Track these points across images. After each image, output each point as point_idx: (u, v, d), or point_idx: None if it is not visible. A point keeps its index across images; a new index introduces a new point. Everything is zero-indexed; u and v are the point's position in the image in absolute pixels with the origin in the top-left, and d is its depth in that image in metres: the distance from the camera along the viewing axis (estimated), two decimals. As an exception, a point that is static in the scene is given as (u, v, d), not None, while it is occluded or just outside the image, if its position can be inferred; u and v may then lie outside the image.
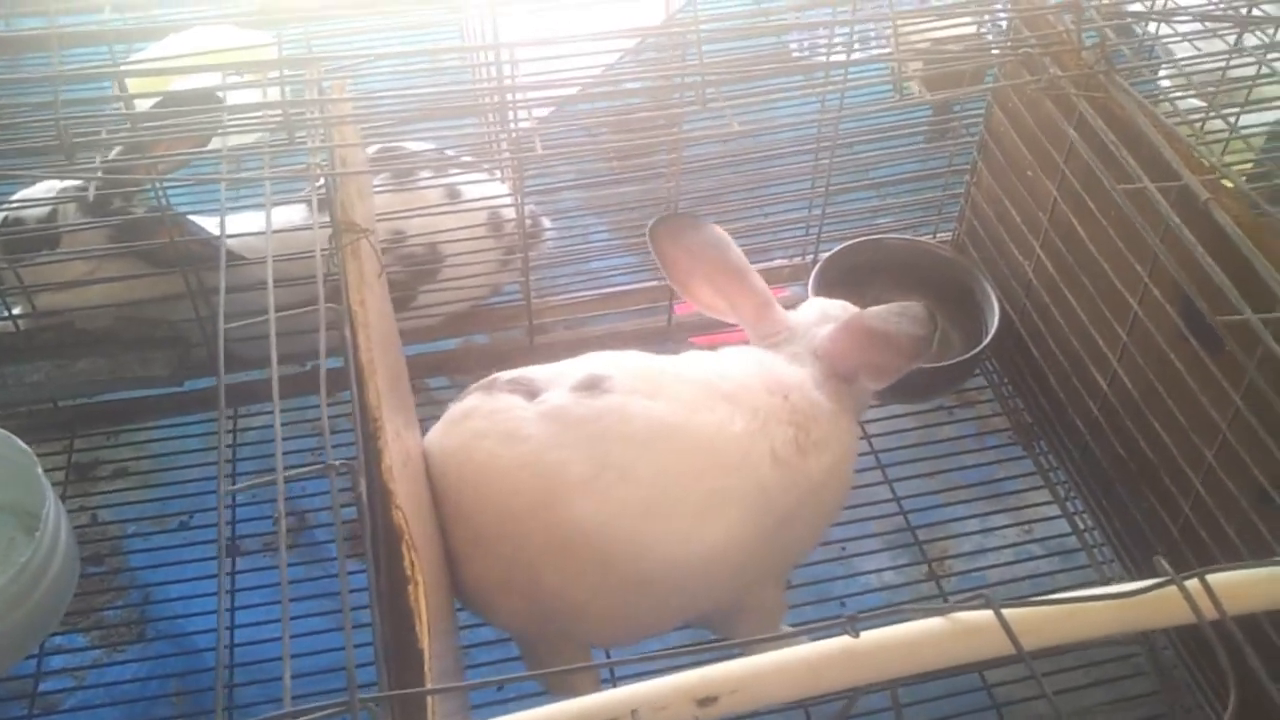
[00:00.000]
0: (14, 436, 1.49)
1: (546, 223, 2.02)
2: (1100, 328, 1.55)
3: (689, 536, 1.26)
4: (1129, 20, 1.73)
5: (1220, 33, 1.47)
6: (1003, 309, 1.78)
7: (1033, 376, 1.79)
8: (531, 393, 1.30)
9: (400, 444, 1.12)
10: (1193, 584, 0.75)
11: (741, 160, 2.22)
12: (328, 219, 1.25)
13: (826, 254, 1.88)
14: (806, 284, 1.84)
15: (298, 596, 1.62)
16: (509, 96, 1.45)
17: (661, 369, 1.34)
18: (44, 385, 1.73)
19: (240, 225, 1.73)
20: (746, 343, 1.49)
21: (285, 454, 1.42)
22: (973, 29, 1.81)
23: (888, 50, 1.48)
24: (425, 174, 1.88)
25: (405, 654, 0.92)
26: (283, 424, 0.97)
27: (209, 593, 1.69)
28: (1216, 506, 1.34)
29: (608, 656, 1.46)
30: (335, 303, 1.12)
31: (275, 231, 1.23)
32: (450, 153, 1.98)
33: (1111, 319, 1.51)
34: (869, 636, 0.75)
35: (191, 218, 1.70)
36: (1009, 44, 1.49)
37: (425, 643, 0.90)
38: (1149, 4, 1.61)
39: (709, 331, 1.95)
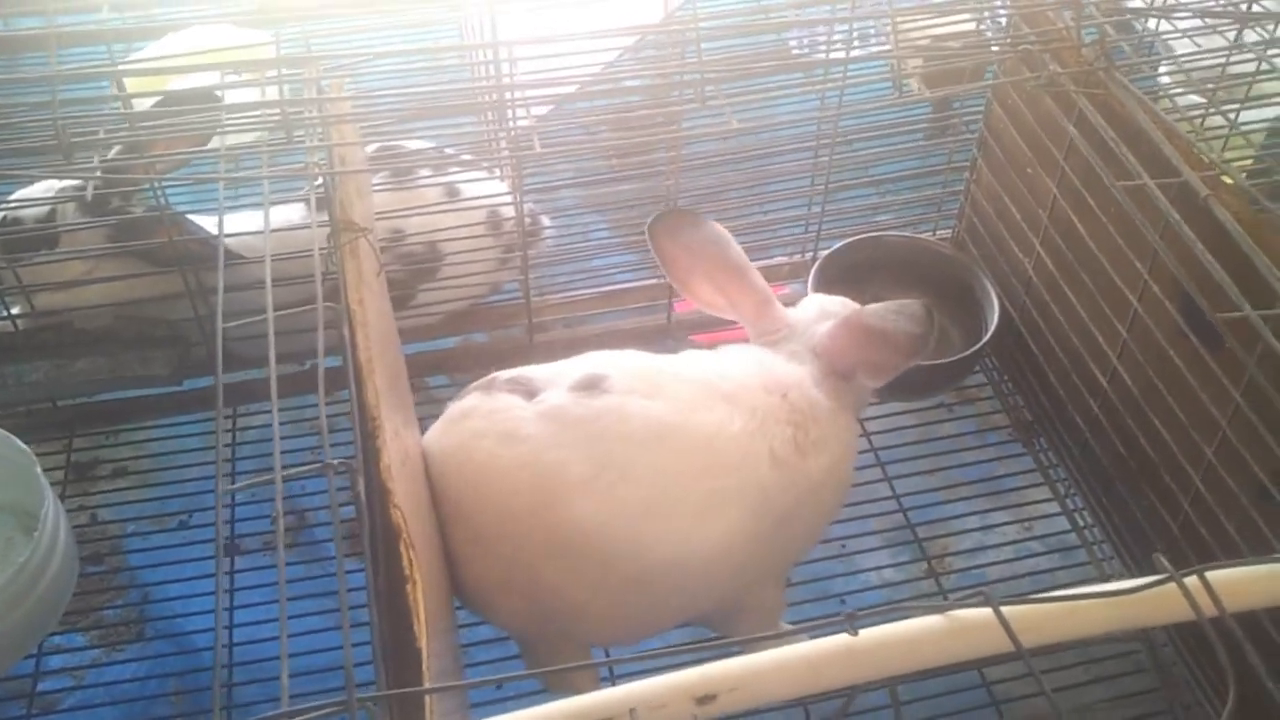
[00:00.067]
0: (12, 436, 1.49)
1: (545, 221, 2.02)
2: (1100, 325, 1.55)
3: (688, 536, 1.26)
4: (1129, 16, 1.73)
5: (1220, 29, 1.46)
6: (1002, 306, 1.78)
7: (1033, 374, 1.78)
8: (530, 392, 1.30)
9: (399, 443, 1.12)
10: (1192, 581, 0.75)
11: (741, 158, 2.22)
12: (326, 218, 1.25)
13: (826, 251, 1.88)
14: (806, 281, 1.83)
15: (297, 595, 1.62)
16: (507, 95, 1.44)
17: (660, 368, 1.34)
18: (43, 385, 1.73)
19: (239, 224, 1.73)
20: (746, 340, 1.48)
21: (284, 453, 1.42)
22: (972, 26, 1.80)
23: (887, 47, 1.48)
24: (424, 172, 1.88)
25: (403, 653, 0.92)
26: (282, 423, 0.97)
27: (208, 592, 1.69)
28: (1216, 503, 1.34)
29: (607, 655, 1.46)
30: (334, 301, 1.12)
31: (274, 230, 1.23)
32: (449, 151, 1.97)
33: (1111, 316, 1.51)
34: (868, 634, 0.75)
35: (190, 217, 1.70)
36: (1009, 41, 1.49)
37: (423, 642, 0.90)
38: (1149, 0, 1.61)
39: (708, 329, 1.94)
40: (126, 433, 1.96)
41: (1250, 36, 1.45)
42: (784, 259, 2.07)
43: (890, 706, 0.76)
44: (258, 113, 1.25)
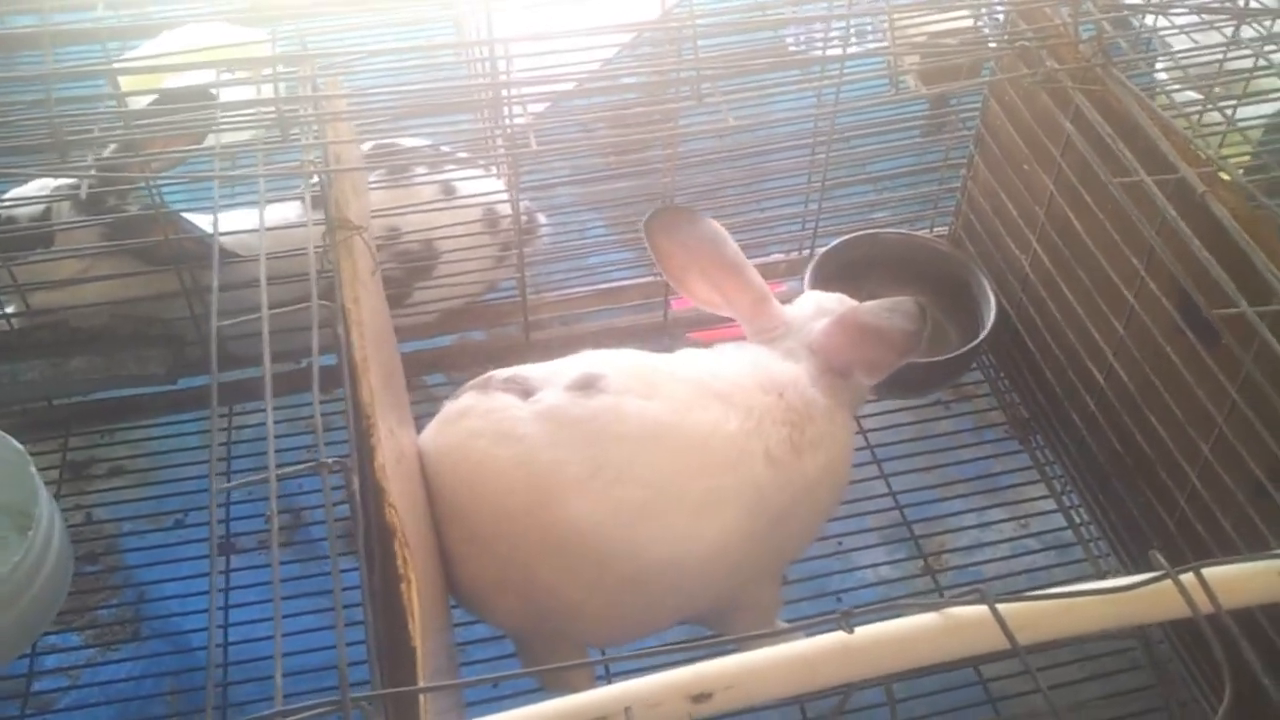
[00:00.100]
0: (7, 435, 1.48)
1: (542, 218, 2.02)
2: (1097, 322, 1.54)
3: (684, 536, 1.26)
4: (1125, 13, 1.73)
5: (1217, 25, 1.46)
6: (999, 303, 1.78)
7: (1029, 371, 1.78)
8: (526, 392, 1.30)
9: (394, 442, 1.12)
10: (1188, 578, 0.75)
11: (738, 155, 2.22)
12: (321, 216, 1.24)
13: (823, 249, 1.88)
14: (803, 278, 1.83)
15: (292, 595, 1.62)
16: (503, 92, 1.44)
17: (656, 368, 1.34)
18: (38, 384, 1.73)
19: (234, 223, 1.72)
20: (743, 338, 1.48)
21: (281, 452, 1.42)
22: (969, 22, 1.80)
23: (884, 44, 1.48)
24: (420, 170, 1.88)
25: (398, 652, 0.92)
26: (279, 422, 0.97)
27: (204, 591, 1.69)
28: (1212, 500, 1.34)
29: (603, 653, 1.46)
30: (329, 300, 1.12)
31: (269, 229, 1.22)
32: (445, 149, 1.97)
33: (1108, 313, 1.50)
34: (864, 632, 0.75)
35: (185, 215, 1.70)
36: (1005, 37, 1.49)
37: (418, 641, 0.90)
38: (1145, -3, 1.61)
39: (705, 327, 1.94)
40: (122, 432, 1.96)
41: (1247, 33, 1.45)
42: (781, 256, 2.07)
43: (886, 704, 0.76)
44: (253, 111, 1.25)
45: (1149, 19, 1.69)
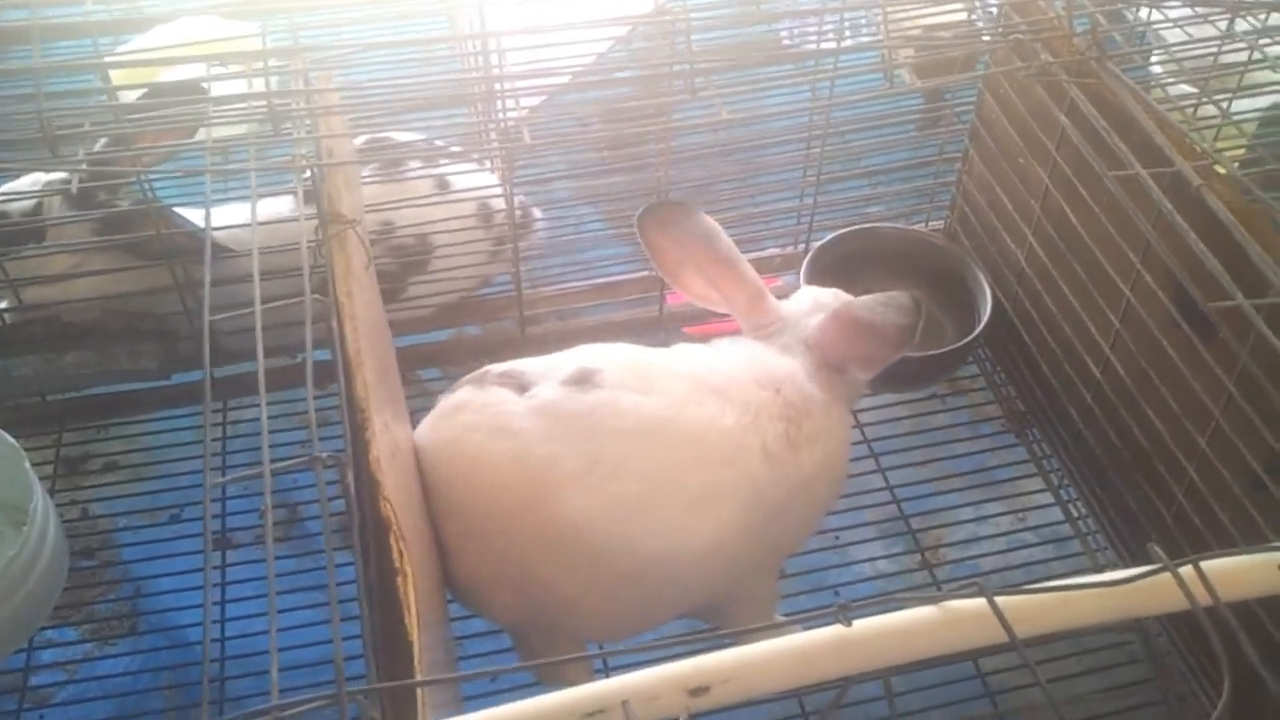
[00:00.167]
0: (1, 431, 1.48)
1: (537, 213, 2.01)
2: (1093, 315, 1.54)
3: (680, 531, 1.26)
4: (1120, 6, 1.73)
5: (1212, 18, 1.46)
6: (995, 297, 1.78)
7: (1025, 364, 1.78)
8: (522, 386, 1.30)
9: (389, 436, 1.11)
10: (1186, 571, 0.75)
11: (732, 150, 2.21)
12: (314, 210, 1.24)
13: (818, 243, 1.88)
14: (798, 273, 1.83)
15: (288, 589, 1.62)
16: (497, 86, 1.44)
17: (652, 363, 1.34)
18: (31, 379, 1.72)
19: (227, 217, 1.72)
20: (739, 333, 1.48)
21: (278, 447, 1.42)
22: (963, 15, 1.80)
23: (878, 37, 1.47)
24: (414, 165, 1.87)
25: (395, 646, 0.92)
26: (275, 416, 0.97)
27: (200, 586, 1.68)
28: (1210, 493, 1.34)
29: (600, 647, 1.46)
30: (322, 294, 1.11)
31: (261, 223, 1.22)
32: (439, 143, 1.96)
33: (1104, 306, 1.50)
34: (862, 625, 0.75)
35: (177, 210, 1.69)
36: (1000, 30, 1.49)
37: (415, 634, 0.90)
38: (1140, -11, 1.61)
39: (701, 322, 1.94)
40: (117, 427, 1.95)
41: (1242, 25, 1.45)
42: (776, 251, 2.07)
43: (884, 697, 0.76)
44: (244, 105, 1.24)
45: (1143, 12, 1.68)
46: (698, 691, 0.72)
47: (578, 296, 2.03)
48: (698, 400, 1.30)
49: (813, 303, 1.48)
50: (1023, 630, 0.74)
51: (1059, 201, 1.58)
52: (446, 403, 1.34)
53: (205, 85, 1.30)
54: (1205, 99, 1.57)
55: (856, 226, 1.91)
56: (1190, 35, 1.51)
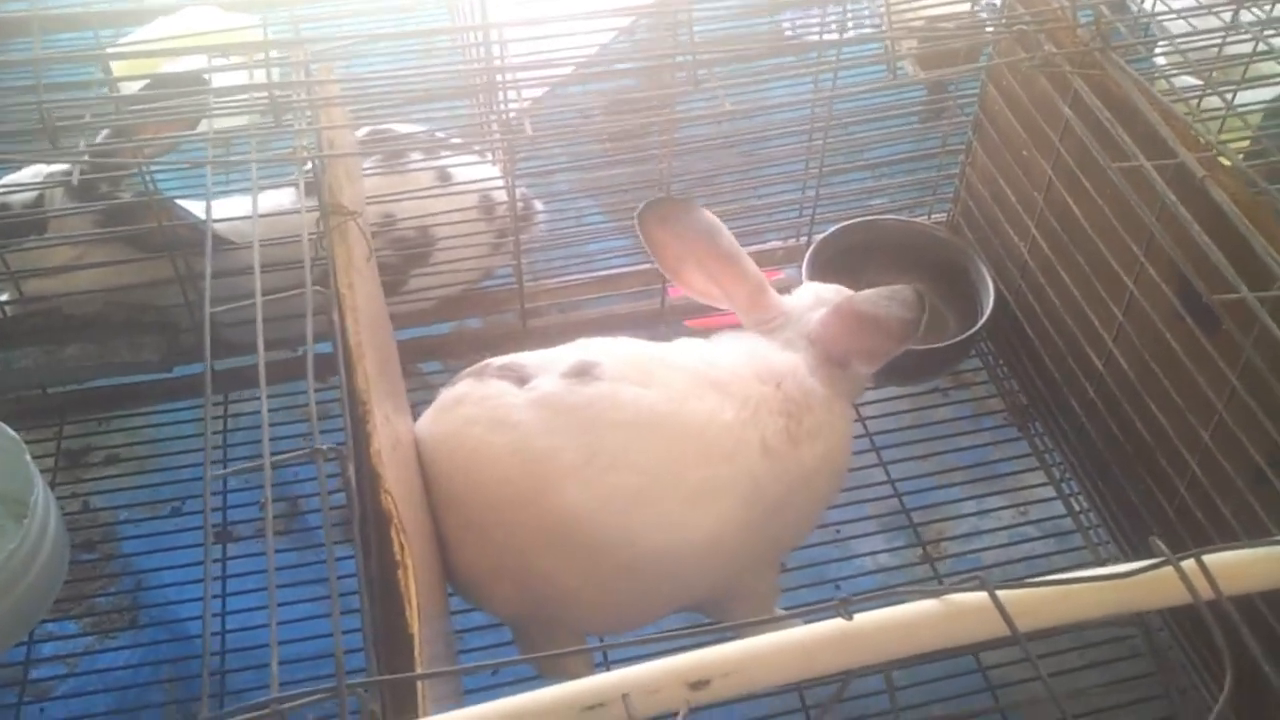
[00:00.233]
0: (1, 423, 1.48)
1: (538, 205, 2.01)
2: (1096, 308, 1.54)
3: (679, 524, 1.26)
4: (1124, -3, 1.72)
5: (1216, 9, 1.45)
6: (998, 290, 1.77)
7: (1028, 358, 1.78)
8: (522, 379, 1.29)
9: (390, 428, 1.11)
10: (1189, 565, 0.74)
11: (735, 142, 2.21)
12: (315, 202, 1.24)
13: (821, 236, 1.87)
14: (800, 266, 1.83)
15: (288, 583, 1.61)
16: (498, 77, 1.43)
17: (652, 356, 1.33)
18: (32, 371, 1.72)
19: (228, 209, 1.72)
20: (740, 326, 1.47)
21: (280, 439, 1.41)
22: (966, 6, 1.79)
23: (881, 29, 1.47)
24: (415, 157, 1.87)
25: (395, 639, 0.92)
26: (276, 409, 0.97)
27: (201, 579, 1.68)
28: (1212, 487, 1.34)
29: (601, 640, 1.46)
30: (324, 286, 1.11)
31: (263, 215, 1.22)
32: (441, 135, 1.96)
33: (1107, 299, 1.50)
34: (863, 619, 0.75)
35: (179, 202, 1.69)
36: (1004, 21, 1.48)
37: (415, 627, 0.90)
38: (1144, -19, 1.60)
39: (703, 315, 1.93)
40: (118, 419, 1.95)
41: (1246, 17, 1.44)
42: (778, 243, 2.06)
43: (885, 691, 0.76)
44: (246, 96, 1.24)
45: (1147, 3, 1.68)
46: (698, 685, 0.72)
47: (579, 289, 2.02)
48: (698, 394, 1.30)
49: (815, 298, 1.47)
50: (1024, 624, 0.74)
51: (1062, 193, 1.57)
52: (446, 395, 1.34)
53: (206, 77, 1.30)
54: (1210, 91, 1.57)
55: (859, 219, 1.91)
56: (1194, 26, 1.50)
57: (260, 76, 1.23)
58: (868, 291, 1.39)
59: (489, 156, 1.99)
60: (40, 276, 1.71)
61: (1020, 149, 1.68)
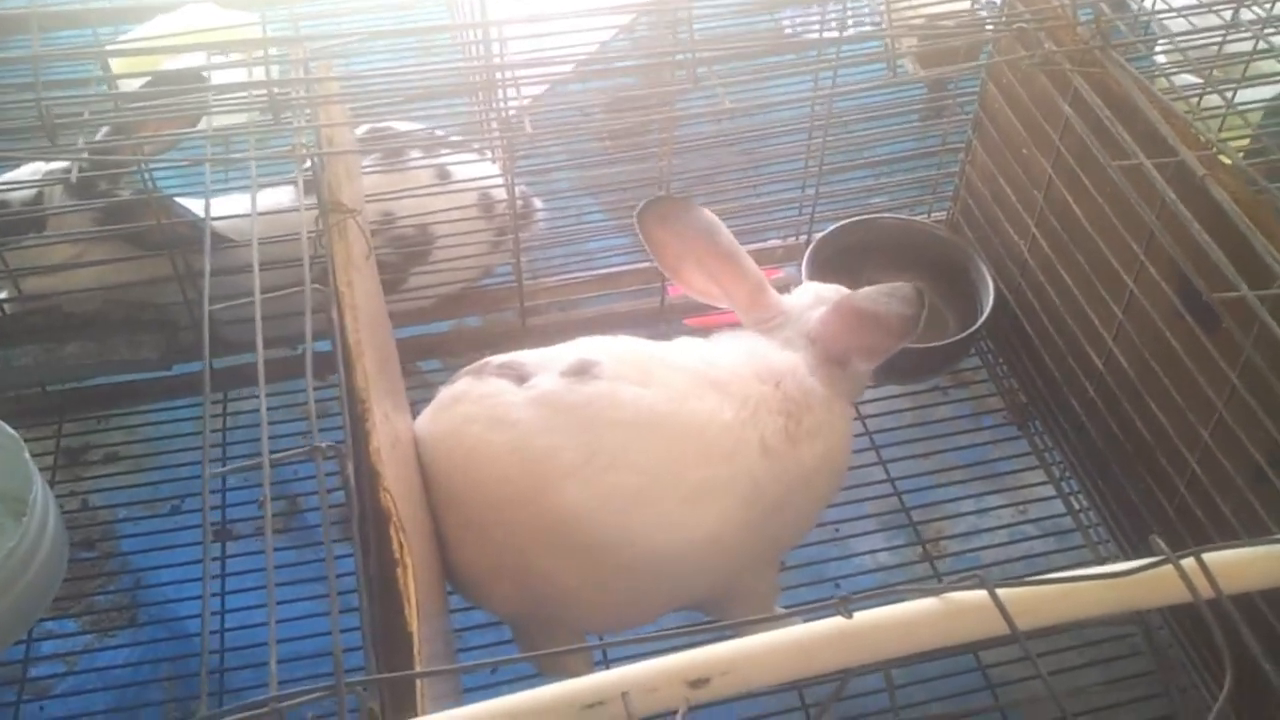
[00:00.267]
0: (0, 421, 1.48)
1: (538, 203, 2.01)
2: (1096, 306, 1.54)
3: (677, 525, 1.25)
4: (1124, -5, 1.72)
5: (1216, 8, 1.45)
6: (997, 288, 1.77)
7: (1028, 356, 1.78)
8: (521, 377, 1.29)
9: (389, 426, 1.11)
10: (1189, 563, 0.74)
11: (735, 140, 2.21)
12: (315, 200, 1.23)
13: (820, 234, 1.87)
14: (800, 264, 1.82)
15: (288, 581, 1.61)
16: (497, 75, 1.43)
17: (651, 355, 1.33)
18: (32, 369, 1.72)
19: (227, 207, 1.71)
20: (739, 324, 1.47)
21: (280, 438, 1.41)
22: (966, 4, 1.79)
23: (881, 26, 1.47)
24: (415, 154, 1.87)
25: (394, 637, 0.92)
26: (276, 408, 0.97)
27: (200, 577, 1.68)
28: (1212, 485, 1.34)
29: (600, 638, 1.46)
30: (323, 284, 1.11)
31: (262, 213, 1.22)
32: (440, 133, 1.96)
33: (1107, 297, 1.50)
34: (862, 617, 0.74)
35: (178, 200, 1.69)
36: (1004, 19, 1.48)
37: (414, 626, 0.89)
38: (1145, -21, 1.60)
39: (702, 313, 1.93)
40: (117, 418, 1.95)
41: (1246, 15, 1.44)
42: (778, 242, 2.06)
43: (885, 690, 0.76)
44: (245, 94, 1.24)
45: (1147, 1, 1.67)
46: (697, 683, 0.72)
47: (579, 287, 2.02)
48: (697, 394, 1.30)
49: (815, 297, 1.47)
50: (1024, 622, 0.74)
51: (1062, 192, 1.57)
52: (445, 393, 1.34)
53: (205, 74, 1.30)
54: (1210, 89, 1.56)
55: (859, 217, 1.91)
56: (1194, 25, 1.50)
57: (259, 74, 1.23)
58: (867, 289, 1.39)
59: (488, 154, 1.99)
60: (39, 274, 1.71)
61: (1020, 147, 1.68)
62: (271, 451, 0.92)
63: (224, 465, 0.98)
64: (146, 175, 1.64)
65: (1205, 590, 0.74)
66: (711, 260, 1.45)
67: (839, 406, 1.39)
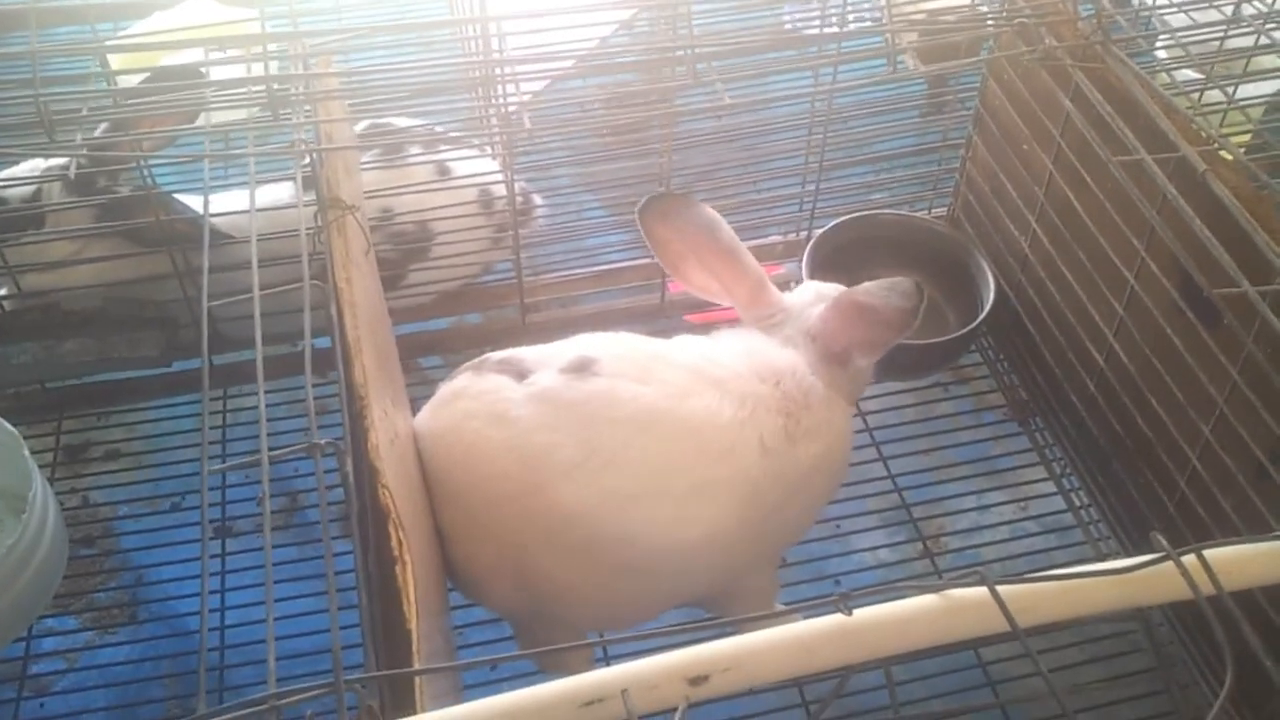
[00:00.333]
0: (0, 418, 1.47)
1: (538, 200, 2.00)
2: (1096, 302, 1.54)
3: (675, 523, 1.25)
4: (1125, -9, 1.72)
5: (1217, 3, 1.45)
6: (998, 285, 1.77)
7: (1028, 353, 1.77)
8: (521, 374, 1.29)
9: (388, 423, 1.11)
10: (1190, 560, 0.74)
11: (735, 136, 2.20)
12: (314, 196, 1.23)
13: (820, 230, 1.87)
14: (800, 260, 1.82)
15: (287, 578, 1.61)
16: (497, 71, 1.43)
17: (651, 353, 1.33)
18: (31, 367, 1.72)
19: (226, 204, 1.71)
20: (740, 321, 1.47)
21: (280, 434, 1.41)
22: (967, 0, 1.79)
23: (881, 22, 1.46)
24: (414, 150, 1.86)
25: (394, 634, 0.92)
26: (276, 404, 0.97)
27: (200, 574, 1.68)
28: (1213, 482, 1.33)
29: (600, 635, 1.46)
30: (322, 281, 1.11)
31: (261, 210, 1.21)
32: (440, 129, 1.96)
33: (1108, 293, 1.50)
34: (863, 614, 0.74)
35: (177, 196, 1.68)
36: (1004, 15, 1.48)
37: (414, 623, 0.89)
38: (1145, -26, 1.60)
39: (702, 309, 1.93)
40: (117, 414, 1.95)
41: (1248, 10, 1.44)
42: (778, 237, 2.06)
43: (885, 686, 0.75)
44: (244, 90, 1.24)
45: (1149, -3, 1.67)
46: (697, 680, 0.72)
47: (579, 284, 2.02)
48: (697, 392, 1.29)
49: (815, 295, 1.47)
50: (1024, 619, 0.74)
51: (1063, 187, 1.57)
52: (445, 390, 1.34)
53: (204, 70, 1.29)
54: (1211, 84, 1.56)
55: (859, 213, 1.90)
56: (1195, 20, 1.50)
57: (258, 70, 1.23)
58: (866, 284, 1.39)
59: (488, 150, 1.99)
60: (38, 271, 1.71)
61: (1021, 143, 1.68)
62: (271, 448, 0.92)
63: (224, 462, 0.98)
64: (145, 171, 1.64)
65: (1206, 587, 0.74)
66: (712, 257, 1.45)
67: (839, 406, 1.39)
